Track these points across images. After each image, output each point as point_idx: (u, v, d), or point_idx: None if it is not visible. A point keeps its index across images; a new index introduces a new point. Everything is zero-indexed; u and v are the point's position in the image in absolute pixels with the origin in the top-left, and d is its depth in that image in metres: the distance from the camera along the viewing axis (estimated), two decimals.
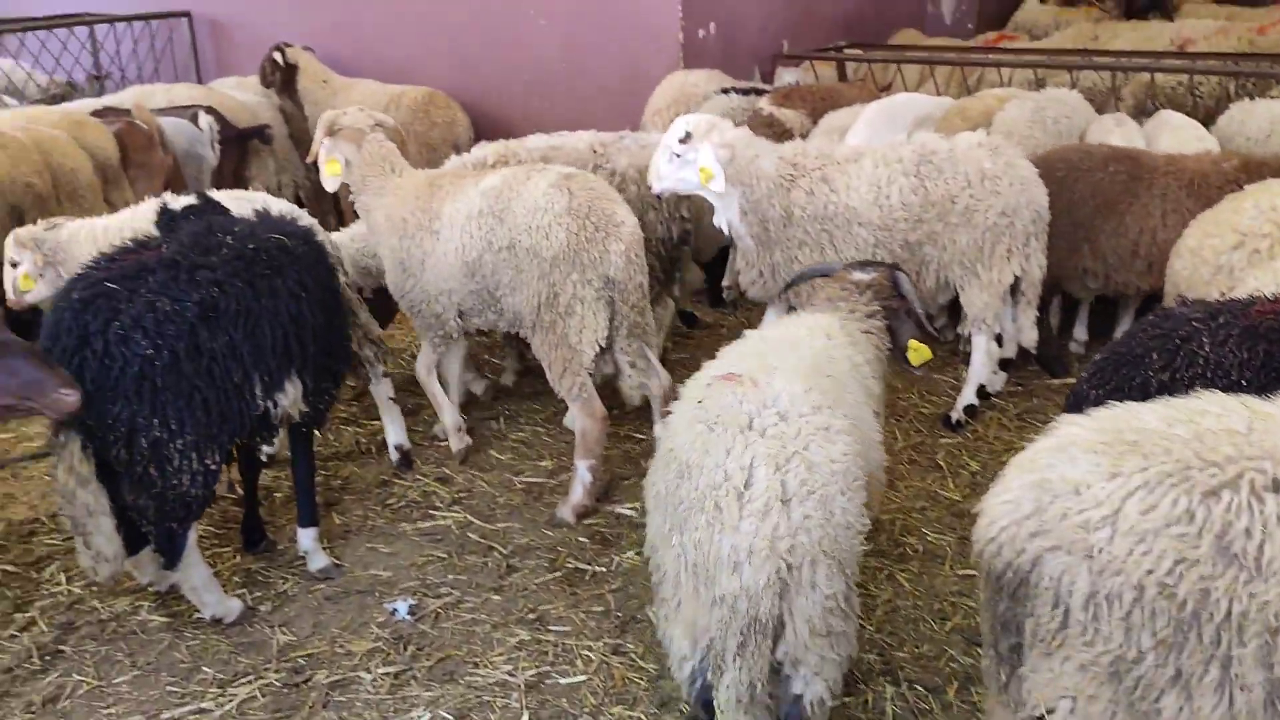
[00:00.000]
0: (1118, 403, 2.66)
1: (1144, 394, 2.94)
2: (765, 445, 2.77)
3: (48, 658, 3.91)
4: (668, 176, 4.92)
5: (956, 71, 8.00)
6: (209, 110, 7.31)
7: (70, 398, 3.35)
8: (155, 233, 4.31)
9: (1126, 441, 2.37)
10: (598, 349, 4.66)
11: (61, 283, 4.28)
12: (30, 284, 4.71)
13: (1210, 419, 2.37)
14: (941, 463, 5.13)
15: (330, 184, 4.92)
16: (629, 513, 4.80)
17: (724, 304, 7.29)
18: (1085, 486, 2.32)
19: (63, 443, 3.55)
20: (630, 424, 5.60)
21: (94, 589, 4.28)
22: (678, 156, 4.85)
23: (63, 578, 4.37)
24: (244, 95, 8.36)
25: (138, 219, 4.79)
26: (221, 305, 3.68)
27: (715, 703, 2.86)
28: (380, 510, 4.89)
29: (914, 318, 3.74)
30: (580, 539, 4.59)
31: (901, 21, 10.56)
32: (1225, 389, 2.62)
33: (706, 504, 2.78)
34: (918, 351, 3.67)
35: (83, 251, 4.61)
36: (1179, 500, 2.23)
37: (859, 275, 3.81)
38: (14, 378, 3.32)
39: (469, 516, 4.78)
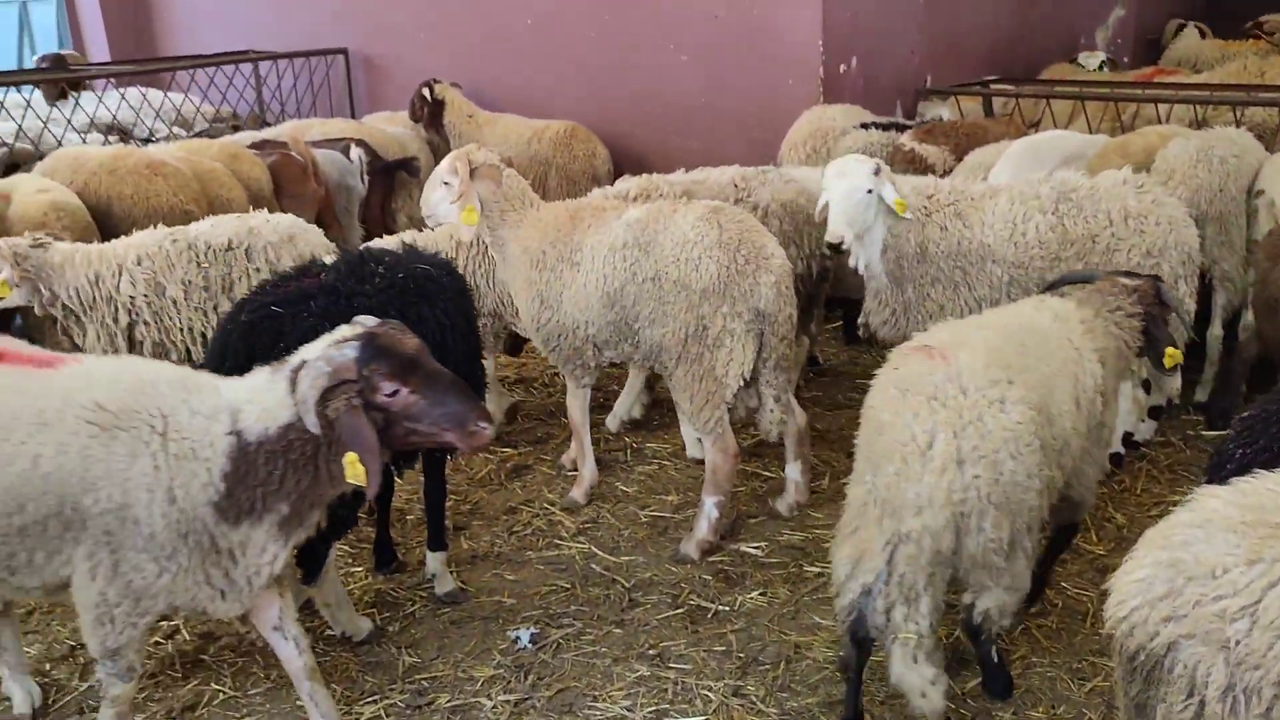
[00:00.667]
0: (1265, 466, 2.48)
1: None
2: (945, 414, 3.25)
3: (188, 666, 4.07)
4: (856, 220, 4.80)
5: (1109, 107, 7.70)
6: (359, 143, 7.60)
7: (486, 432, 3.13)
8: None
9: (1271, 523, 2.20)
10: (742, 382, 4.62)
11: (41, 296, 4.84)
12: (6, 291, 4.89)
13: None
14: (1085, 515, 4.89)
15: (468, 232, 4.88)
16: (754, 551, 4.72)
17: (859, 341, 7.15)
18: (1223, 570, 2.16)
19: None
20: (758, 462, 5.53)
21: None
22: (868, 192, 4.78)
23: None
24: (393, 129, 8.69)
25: (133, 246, 5.08)
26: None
27: (896, 624, 3.32)
28: (507, 537, 4.94)
29: (1166, 327, 3.99)
30: (704, 576, 4.54)
31: (1053, 56, 10.25)
32: None
33: (896, 457, 3.27)
34: (1171, 356, 3.97)
35: (77, 275, 4.92)
36: None
37: (1125, 280, 4.01)
38: (439, 408, 3.08)
39: (593, 548, 4.79)
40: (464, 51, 9.44)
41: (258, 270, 5.15)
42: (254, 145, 7.27)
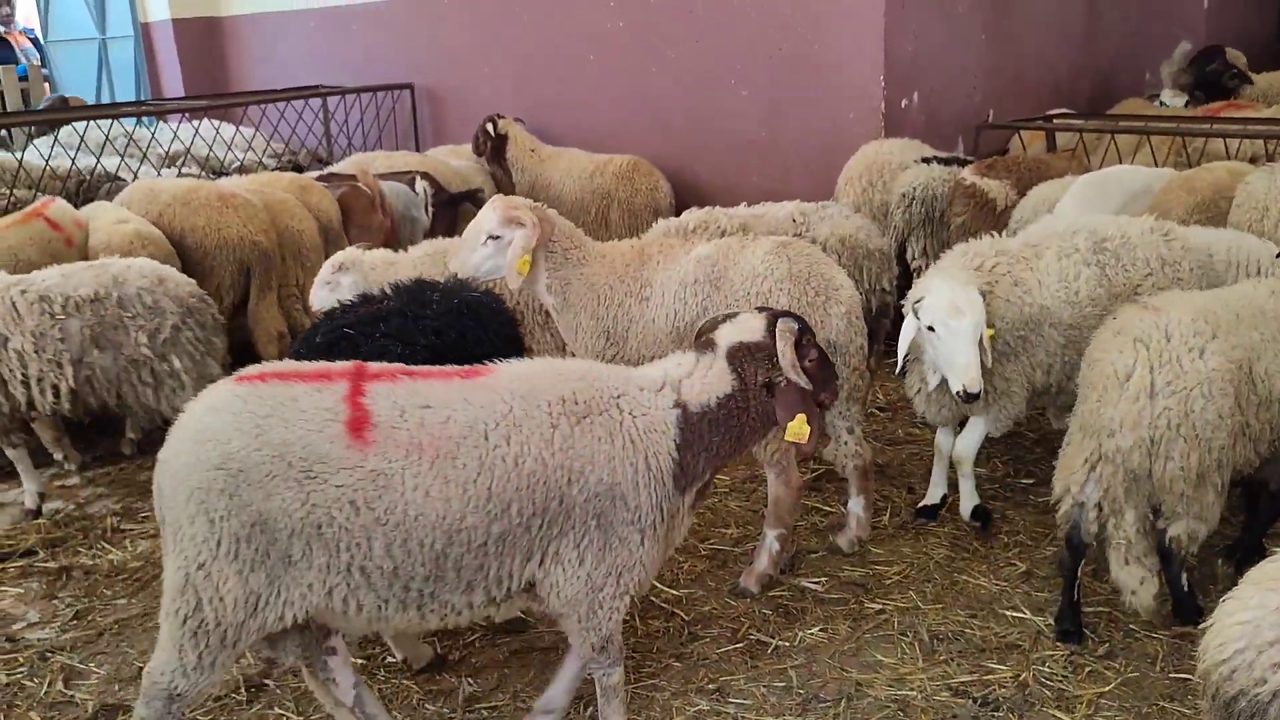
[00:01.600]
0: None
1: None
2: (1146, 353, 3.85)
3: (253, 690, 4.13)
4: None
5: (1174, 142, 7.59)
6: (424, 176, 7.74)
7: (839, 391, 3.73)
8: None
9: None
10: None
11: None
12: None
13: None
14: None
15: (515, 280, 4.72)
16: (814, 587, 4.69)
17: None
18: None
19: None
20: (818, 496, 5.50)
21: None
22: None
23: None
24: (457, 162, 8.84)
25: None
26: (440, 351, 3.91)
27: (1115, 535, 3.98)
28: None
29: None
30: (764, 611, 4.51)
31: (1119, 91, 10.14)
32: None
33: (1099, 386, 3.95)
34: None
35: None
36: None
37: None
38: (825, 372, 3.62)
39: (653, 581, 4.77)
40: (527, 87, 9.59)
41: (134, 317, 5.22)
42: (322, 178, 7.44)
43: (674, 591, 4.69)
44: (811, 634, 4.35)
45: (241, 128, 9.82)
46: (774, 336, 3.50)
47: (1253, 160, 6.74)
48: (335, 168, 8.28)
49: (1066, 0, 9.55)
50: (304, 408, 3.00)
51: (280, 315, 6.73)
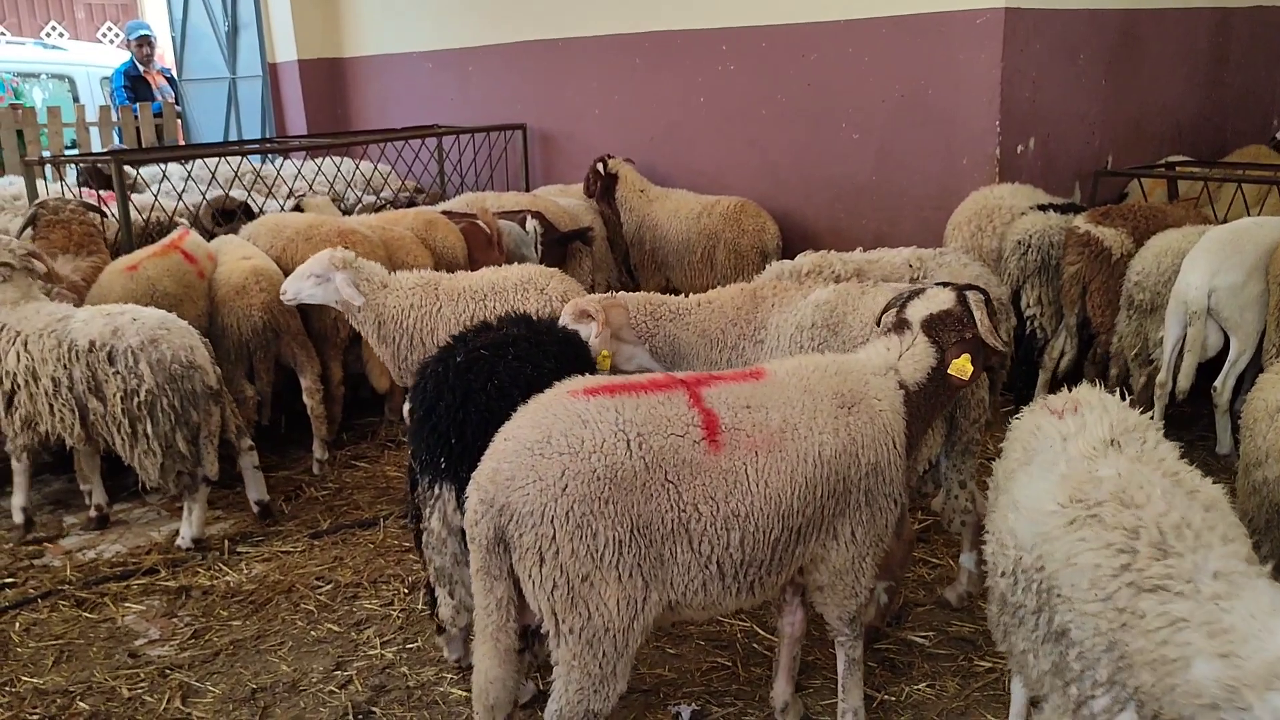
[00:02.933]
0: None
1: None
2: None
3: (360, 716, 4.21)
4: None
5: None
6: (535, 214, 7.88)
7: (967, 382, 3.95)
8: None
9: None
10: (927, 465, 4.58)
11: None
12: None
13: None
14: None
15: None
16: (921, 641, 4.59)
17: None
18: None
19: (437, 493, 3.89)
20: (925, 548, 5.39)
21: (405, 655, 4.59)
22: None
23: (378, 641, 4.71)
24: (565, 200, 8.98)
25: (34, 325, 5.47)
26: (556, 374, 4.00)
27: None
28: None
29: None
30: (870, 664, 4.42)
31: (1242, 138, 9.82)
32: None
33: (1252, 420, 4.09)
34: None
35: None
36: None
37: None
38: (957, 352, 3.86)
39: (755, 626, 4.73)
40: (636, 129, 9.72)
41: (118, 374, 5.26)
42: (442, 214, 7.64)
43: (776, 638, 4.62)
44: (918, 690, 4.25)
45: (361, 165, 10.14)
46: (965, 305, 3.83)
47: None
48: (447, 205, 8.50)
49: (1191, 46, 9.31)
50: (668, 416, 3.21)
51: None
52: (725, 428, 3.28)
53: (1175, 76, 9.22)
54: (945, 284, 3.97)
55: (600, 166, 8.99)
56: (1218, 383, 6.06)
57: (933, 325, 3.80)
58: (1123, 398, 6.46)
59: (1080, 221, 6.71)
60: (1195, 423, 6.68)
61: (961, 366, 3.77)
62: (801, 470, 3.36)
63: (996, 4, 7.29)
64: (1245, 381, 6.08)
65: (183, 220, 7.42)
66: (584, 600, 3.08)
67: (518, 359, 4.07)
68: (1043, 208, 6.92)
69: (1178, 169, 8.18)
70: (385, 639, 4.73)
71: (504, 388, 3.93)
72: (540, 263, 7.67)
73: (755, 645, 4.60)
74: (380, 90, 12.06)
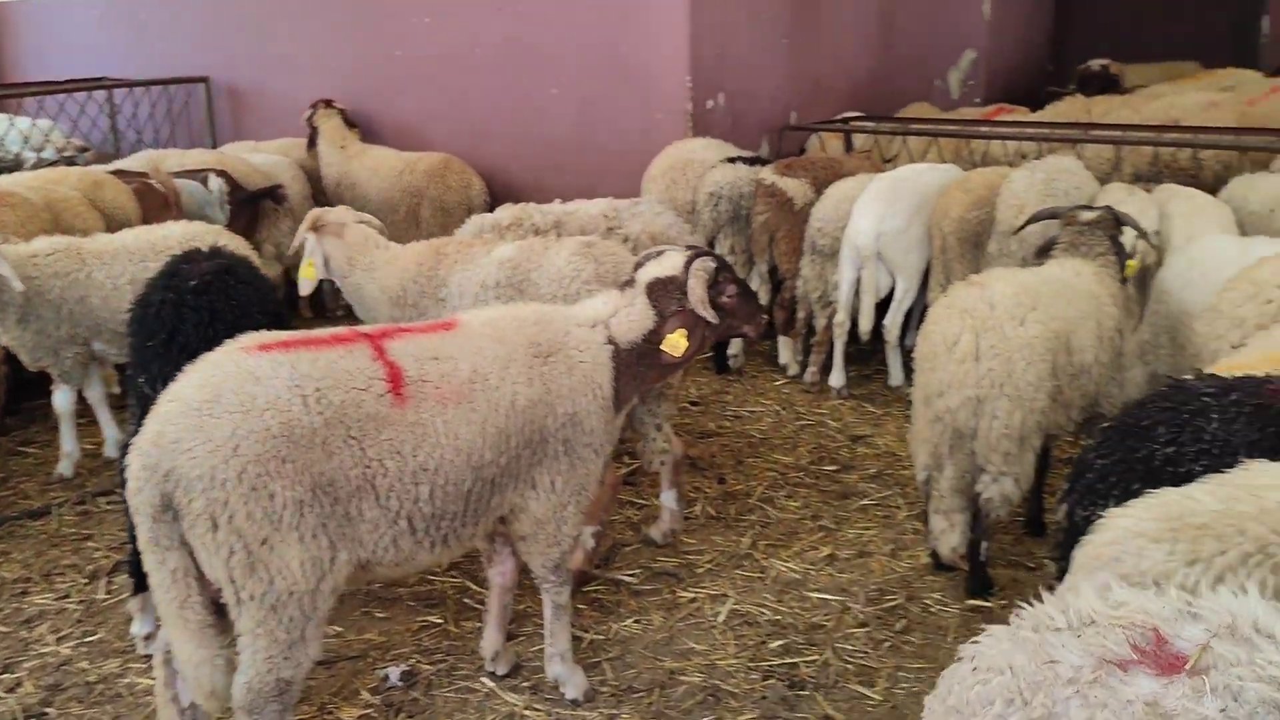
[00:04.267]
0: (1120, 474, 2.59)
1: (1147, 467, 2.87)
2: (972, 321, 4.20)
3: (31, 719, 3.85)
4: None
5: (962, 144, 8.07)
6: (220, 173, 7.40)
7: (764, 321, 4.13)
8: None
9: (1194, 525, 2.30)
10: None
11: None
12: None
13: (1275, 492, 2.32)
14: None
15: (305, 286, 5.17)
16: (629, 579, 4.73)
17: (729, 370, 7.28)
18: (1165, 578, 2.23)
19: None
20: (632, 490, 5.55)
21: (84, 650, 4.23)
22: None
23: (52, 638, 4.31)
24: (258, 158, 8.47)
25: None
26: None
27: (934, 487, 4.38)
28: None
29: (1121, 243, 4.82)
30: (579, 605, 4.51)
31: (910, 95, 10.68)
32: (1229, 467, 2.56)
33: (931, 353, 4.31)
34: (1131, 267, 4.82)
35: None
36: (1267, 580, 2.17)
37: (1085, 215, 4.81)
38: (747, 306, 3.99)
39: (467, 582, 4.71)
40: (332, 82, 9.29)
41: None
42: (111, 174, 7.00)
43: (487, 591, 4.63)
44: (626, 626, 4.38)
45: (17, 121, 9.12)
46: (689, 273, 3.77)
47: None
48: (122, 164, 7.81)
49: (862, 9, 9.99)
50: (349, 369, 3.11)
51: None
52: (411, 380, 3.20)
53: (850, 39, 9.88)
54: (691, 248, 3.96)
55: (310, 113, 8.59)
56: (887, 320, 6.59)
57: (655, 289, 3.79)
58: (809, 337, 6.95)
59: (766, 173, 7.07)
60: (872, 357, 7.24)
61: (674, 342, 3.77)
62: (493, 420, 3.34)
63: None
64: (913, 319, 6.66)
65: None
66: (264, 565, 2.94)
67: (241, 283, 4.23)
68: (732, 160, 7.23)
69: (852, 124, 8.78)
70: (61, 634, 4.34)
71: (244, 305, 4.10)
72: (228, 224, 7.23)
73: (467, 600, 4.58)
74: (39, 39, 10.90)
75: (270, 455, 2.90)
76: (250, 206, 7.55)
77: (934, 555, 4.64)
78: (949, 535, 4.38)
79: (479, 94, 8.70)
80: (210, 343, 3.29)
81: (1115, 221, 4.79)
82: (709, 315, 3.79)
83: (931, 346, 4.32)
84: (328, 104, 8.67)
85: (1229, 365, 3.37)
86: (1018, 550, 4.91)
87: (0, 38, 11.10)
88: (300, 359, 3.08)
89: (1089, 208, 4.88)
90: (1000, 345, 4.13)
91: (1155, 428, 2.98)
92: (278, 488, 2.91)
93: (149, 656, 4.09)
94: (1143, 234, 4.95)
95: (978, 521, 4.38)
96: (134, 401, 4.31)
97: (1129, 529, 2.38)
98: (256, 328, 3.40)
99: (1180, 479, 2.63)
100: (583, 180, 8.24)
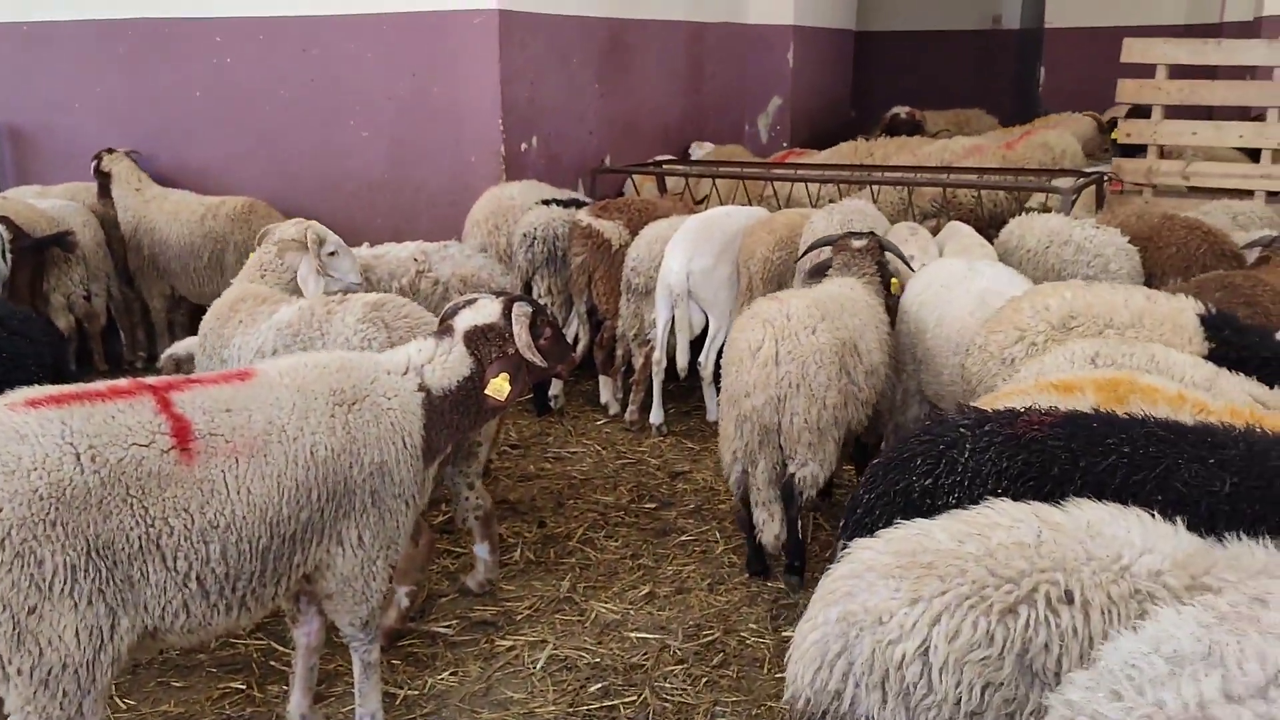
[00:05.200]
0: (886, 510, 2.69)
1: (906, 499, 2.96)
2: (772, 330, 4.65)
3: None
4: None
5: (768, 186, 8.37)
6: (1, 219, 6.93)
7: (575, 359, 4.24)
8: None
9: (922, 564, 2.36)
10: None
11: None
12: None
13: (1000, 532, 2.39)
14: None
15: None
16: (445, 631, 4.63)
17: (551, 411, 7.27)
18: (889, 615, 2.31)
19: None
20: (448, 539, 5.45)
21: None
22: None
23: None
24: (45, 202, 7.97)
25: None
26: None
27: (751, 483, 4.77)
28: None
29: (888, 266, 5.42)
30: (393, 661, 4.38)
31: (723, 138, 11.02)
32: (981, 497, 2.65)
33: (737, 359, 4.73)
34: (896, 285, 5.43)
35: None
36: (979, 622, 2.24)
37: (855, 243, 5.37)
38: (559, 348, 4.09)
39: (273, 643, 4.51)
40: (127, 124, 8.84)
41: None
42: None
43: (293, 652, 4.45)
44: (442, 679, 4.28)
45: None
46: (510, 319, 3.81)
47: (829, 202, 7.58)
48: None
49: (672, 55, 10.27)
50: (129, 425, 2.95)
51: None
52: (199, 434, 3.06)
53: (661, 83, 10.13)
54: (500, 293, 3.96)
55: (95, 162, 8.13)
56: (701, 357, 6.73)
57: (474, 337, 3.76)
58: (628, 375, 7.03)
59: (583, 215, 7.13)
60: (691, 394, 7.36)
61: (498, 386, 3.74)
62: (290, 473, 3.22)
63: (490, 5, 7.54)
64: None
65: None
66: (33, 635, 2.74)
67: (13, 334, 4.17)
68: (546, 203, 7.27)
69: (664, 166, 8.98)
70: None
71: (16, 357, 4.04)
72: (11, 273, 6.79)
73: (273, 663, 4.38)
74: None
75: (38, 519, 2.71)
76: (36, 254, 7.10)
77: (757, 556, 5.04)
78: (770, 525, 4.75)
79: (285, 136, 8.47)
80: None
81: (880, 247, 5.39)
82: (537, 359, 3.82)
83: (737, 353, 4.76)
84: (109, 151, 8.24)
85: (1005, 393, 3.57)
86: None
87: None
88: (73, 414, 2.90)
89: (858, 235, 5.45)
90: (796, 351, 4.61)
91: (914, 460, 3.05)
92: (46, 553, 2.72)
93: None
94: (902, 258, 5.50)
95: (791, 502, 4.76)
96: None
97: (865, 562, 2.46)
98: (30, 382, 3.19)
99: (936, 510, 2.72)
100: (395, 222, 8.11)
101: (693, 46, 10.61)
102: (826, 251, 5.52)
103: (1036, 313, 4.25)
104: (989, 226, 6.82)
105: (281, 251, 4.98)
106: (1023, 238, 5.99)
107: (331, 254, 5.09)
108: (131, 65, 8.78)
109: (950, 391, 4.87)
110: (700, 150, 10.24)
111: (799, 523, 4.88)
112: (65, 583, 2.76)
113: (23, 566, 2.69)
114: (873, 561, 2.44)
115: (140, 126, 8.84)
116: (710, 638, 4.57)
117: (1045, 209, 7.08)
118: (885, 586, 2.35)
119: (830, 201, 7.31)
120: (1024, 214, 6.52)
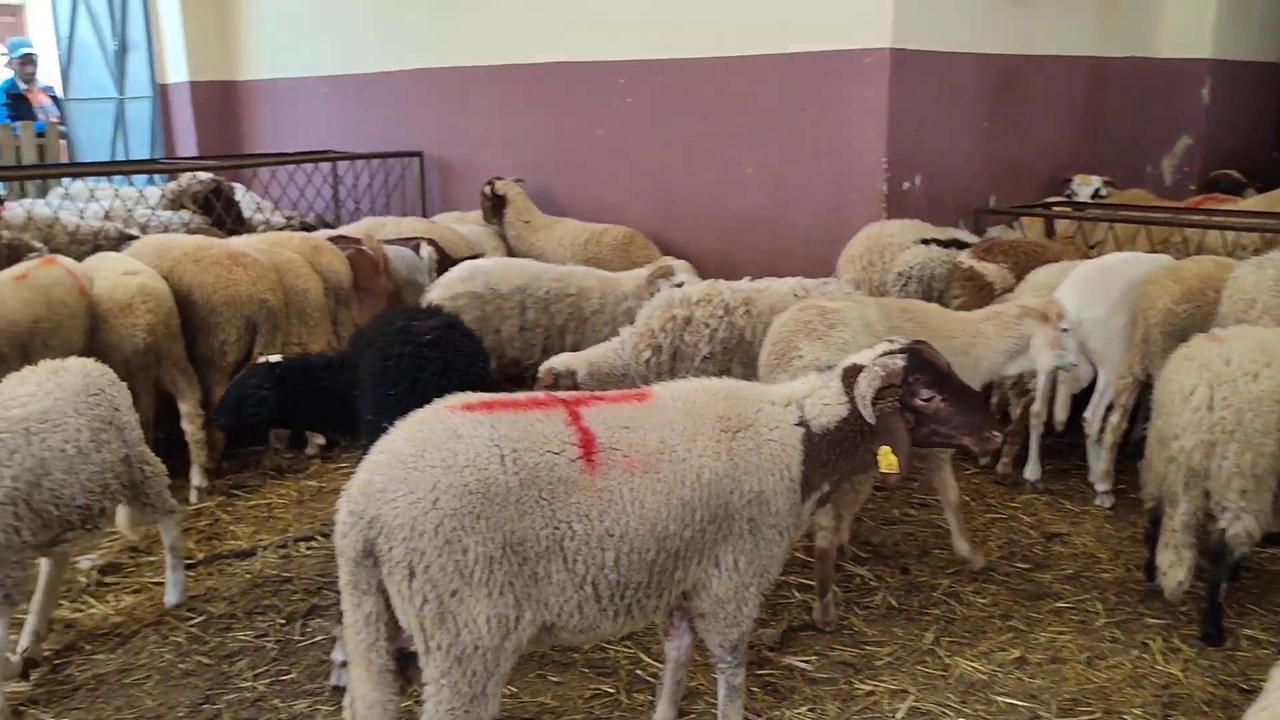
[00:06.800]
0: None
1: None
2: (1208, 375, 4.54)
3: None
4: None
5: (1176, 233, 7.68)
6: (430, 241, 7.82)
7: (997, 438, 3.73)
8: None
9: None
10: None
11: None
12: None
13: None
14: None
15: None
16: (804, 666, 4.62)
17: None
18: None
19: None
20: (807, 573, 5.44)
21: (278, 687, 4.44)
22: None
23: (250, 674, 4.55)
24: (465, 227, 8.95)
25: None
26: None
27: (1165, 524, 4.69)
28: None
29: None
30: (752, 689, 4.42)
31: (1121, 180, 10.26)
32: None
33: (1168, 400, 4.70)
34: None
35: None
36: None
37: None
38: (962, 415, 3.64)
39: (640, 653, 4.70)
40: (534, 158, 9.74)
41: None
42: (331, 240, 7.52)
43: (661, 664, 4.61)
44: (799, 714, 4.27)
45: (251, 191, 9.94)
46: (905, 368, 3.58)
47: (1253, 252, 6.81)
48: (344, 230, 8.38)
49: (1069, 93, 9.72)
50: (544, 433, 3.20)
51: None
52: (602, 447, 3.27)
53: (1054, 122, 9.61)
54: (892, 340, 3.73)
55: (488, 188, 9.00)
56: (1087, 413, 6.28)
57: (848, 377, 3.63)
58: (1004, 424, 6.72)
59: (964, 257, 6.92)
60: (1071, 451, 6.90)
61: (887, 460, 3.57)
62: (678, 492, 3.36)
63: (883, 44, 7.52)
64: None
65: (42, 247, 7.01)
66: (453, 616, 3.03)
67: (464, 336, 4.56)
68: (925, 241, 7.12)
69: (1054, 209, 8.50)
70: (258, 671, 4.57)
71: (470, 356, 4.37)
72: None
73: (639, 672, 4.57)
74: (275, 115, 11.87)
75: (466, 510, 3.01)
76: None
77: (1212, 616, 4.75)
78: (1176, 570, 4.61)
79: (671, 172, 8.91)
80: (444, 390, 3.47)
81: None
82: (867, 414, 3.53)
83: (1169, 394, 4.67)
84: (499, 178, 9.06)
85: None
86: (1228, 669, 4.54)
87: (241, 114, 12.15)
88: (500, 420, 3.20)
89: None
90: (1232, 397, 4.44)
91: None
92: (471, 542, 3.01)
93: (336, 698, 4.26)
94: None
95: (1220, 560, 4.60)
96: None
97: None
98: (482, 379, 3.57)
99: None
100: (771, 259, 8.26)
101: (1092, 83, 9.98)
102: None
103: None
104: None
105: (1021, 316, 5.17)
106: None
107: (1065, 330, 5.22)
108: (544, 105, 9.63)
109: None
110: (1086, 187, 9.53)
111: (1221, 587, 4.68)
112: (483, 572, 3.04)
113: (451, 553, 3.00)
114: None
115: (545, 160, 9.68)
116: (1088, 715, 4.23)
117: None
118: None
119: (1255, 251, 6.56)
120: None
